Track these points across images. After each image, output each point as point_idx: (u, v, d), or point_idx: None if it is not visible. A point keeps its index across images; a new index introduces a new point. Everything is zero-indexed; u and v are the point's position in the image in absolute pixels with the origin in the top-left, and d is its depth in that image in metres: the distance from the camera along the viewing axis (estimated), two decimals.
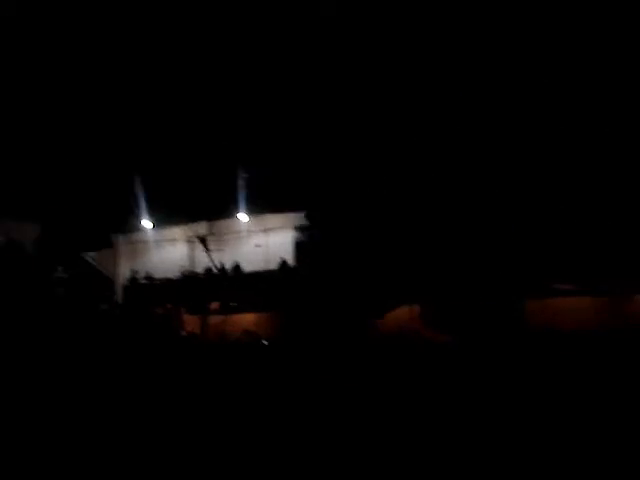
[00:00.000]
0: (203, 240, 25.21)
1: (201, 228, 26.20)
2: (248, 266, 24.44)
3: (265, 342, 19.75)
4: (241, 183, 23.34)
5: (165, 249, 27.41)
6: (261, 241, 24.97)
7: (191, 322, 24.03)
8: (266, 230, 25.18)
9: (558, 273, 18.89)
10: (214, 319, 23.63)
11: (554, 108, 16.33)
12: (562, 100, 16.46)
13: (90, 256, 26.63)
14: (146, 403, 8.74)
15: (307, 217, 21.54)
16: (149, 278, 25.70)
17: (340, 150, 19.37)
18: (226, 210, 25.01)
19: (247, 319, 23.56)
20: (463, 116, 16.84)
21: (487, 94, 16.43)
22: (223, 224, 26.05)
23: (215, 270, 24.39)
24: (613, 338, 15.23)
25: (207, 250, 24.74)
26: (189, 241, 26.58)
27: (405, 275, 17.86)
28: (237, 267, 24.28)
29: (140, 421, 7.89)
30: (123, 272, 27.19)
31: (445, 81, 16.09)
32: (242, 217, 25.16)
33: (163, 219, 26.57)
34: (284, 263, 23.20)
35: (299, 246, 22.77)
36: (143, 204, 25.21)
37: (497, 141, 15.67)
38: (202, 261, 25.10)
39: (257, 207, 24.57)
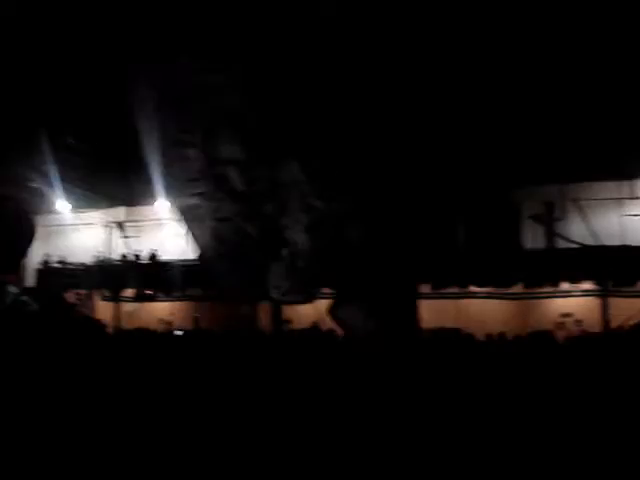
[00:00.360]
0: (121, 226, 24.86)
1: (119, 213, 25.78)
2: (166, 254, 24.17)
3: (179, 332, 19.60)
4: (162, 170, 22.96)
5: (81, 233, 26.78)
6: (180, 230, 24.69)
7: (104, 309, 23.68)
8: None
9: (466, 275, 19.54)
10: (128, 307, 23.36)
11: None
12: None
13: None
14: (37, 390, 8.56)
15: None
16: (63, 262, 25.09)
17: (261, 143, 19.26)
18: (146, 196, 24.58)
19: (163, 308, 23.41)
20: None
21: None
22: (142, 210, 25.63)
23: (131, 257, 24.06)
24: (517, 341, 15.82)
25: (124, 236, 24.42)
26: (106, 226, 26.08)
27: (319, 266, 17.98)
28: (154, 255, 23.98)
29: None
30: (36, 255, 26.41)
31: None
32: (162, 204, 24.81)
33: (80, 202, 25.93)
34: (202, 253, 23.03)
35: (217, 236, 22.66)
36: (60, 185, 24.49)
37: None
38: (119, 247, 24.76)
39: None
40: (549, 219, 21.10)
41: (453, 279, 19.77)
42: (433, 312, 19.06)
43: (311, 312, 19.90)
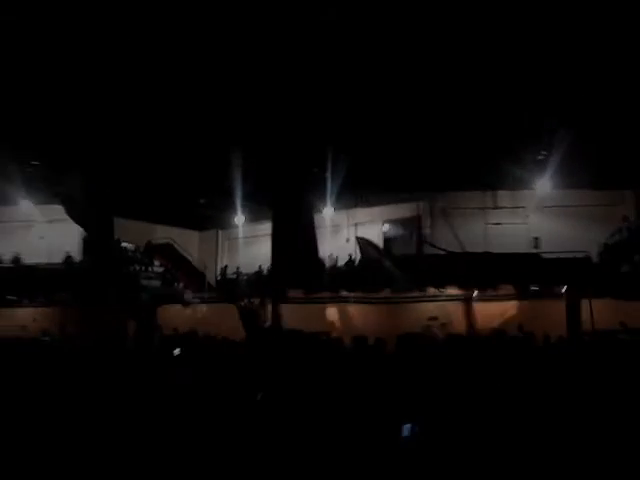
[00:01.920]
0: None
1: None
2: (30, 258, 22.96)
3: (46, 338, 18.70)
4: (28, 171, 21.86)
5: None
6: (45, 232, 23.66)
7: None
8: (52, 221, 23.86)
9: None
10: None
11: None
12: None
13: None
14: None
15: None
16: None
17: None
18: (9, 197, 23.36)
19: (26, 314, 22.21)
20: None
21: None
22: (5, 212, 24.31)
23: None
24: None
25: None
26: None
27: None
28: (17, 258, 22.77)
29: None
30: None
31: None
32: (26, 205, 23.69)
33: None
34: (68, 257, 22.17)
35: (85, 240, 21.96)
36: None
37: None
38: None
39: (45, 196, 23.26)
40: (418, 227, 21.86)
41: (323, 285, 20.14)
42: (309, 316, 19.26)
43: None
